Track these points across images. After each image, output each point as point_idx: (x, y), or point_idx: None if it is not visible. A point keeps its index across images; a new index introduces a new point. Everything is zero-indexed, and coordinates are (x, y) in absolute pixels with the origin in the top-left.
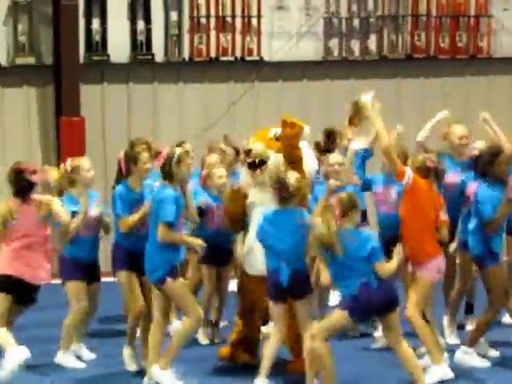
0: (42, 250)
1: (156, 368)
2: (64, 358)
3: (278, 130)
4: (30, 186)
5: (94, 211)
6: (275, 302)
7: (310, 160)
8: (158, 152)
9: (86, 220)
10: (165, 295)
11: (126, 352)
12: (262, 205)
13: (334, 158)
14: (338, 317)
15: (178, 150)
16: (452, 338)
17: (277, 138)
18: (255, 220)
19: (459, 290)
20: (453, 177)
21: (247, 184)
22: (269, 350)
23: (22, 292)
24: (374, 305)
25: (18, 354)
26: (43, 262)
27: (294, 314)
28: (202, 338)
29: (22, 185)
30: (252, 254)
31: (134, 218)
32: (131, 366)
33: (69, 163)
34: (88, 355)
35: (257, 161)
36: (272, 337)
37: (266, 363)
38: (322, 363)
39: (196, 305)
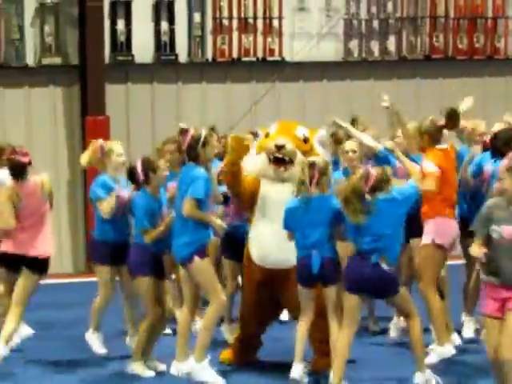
0: (42, 225)
1: (192, 361)
2: (90, 337)
3: (305, 131)
4: (23, 167)
5: (126, 192)
6: (304, 287)
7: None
8: None
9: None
10: (191, 275)
11: (138, 364)
12: (275, 199)
13: (349, 145)
14: (344, 298)
15: (204, 132)
16: (468, 333)
17: (304, 140)
18: (269, 215)
19: (477, 272)
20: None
21: (263, 174)
22: (300, 336)
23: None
24: (366, 278)
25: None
26: (43, 238)
27: (320, 312)
28: (229, 336)
29: (15, 167)
30: (260, 247)
31: (158, 230)
32: (148, 373)
33: (101, 144)
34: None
35: (286, 159)
36: (300, 323)
37: (298, 349)
38: (339, 350)
39: (221, 291)
